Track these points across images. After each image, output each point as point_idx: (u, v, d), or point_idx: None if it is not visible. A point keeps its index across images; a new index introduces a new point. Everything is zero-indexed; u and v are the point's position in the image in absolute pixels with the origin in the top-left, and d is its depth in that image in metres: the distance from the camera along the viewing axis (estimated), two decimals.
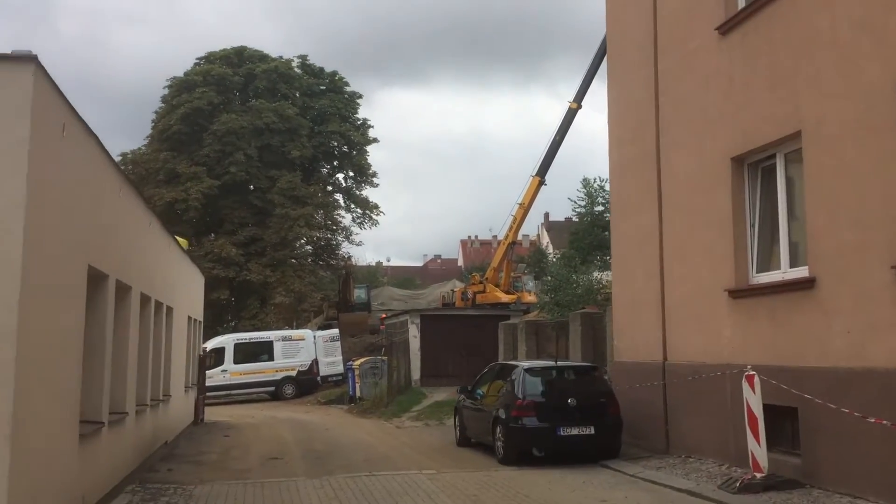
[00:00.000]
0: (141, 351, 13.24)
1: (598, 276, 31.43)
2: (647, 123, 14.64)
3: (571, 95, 39.08)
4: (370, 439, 18.58)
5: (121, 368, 11.30)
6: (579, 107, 38.54)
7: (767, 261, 11.65)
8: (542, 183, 39.74)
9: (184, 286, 18.95)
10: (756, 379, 10.40)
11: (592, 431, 13.31)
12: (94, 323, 9.60)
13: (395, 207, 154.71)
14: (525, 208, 40.36)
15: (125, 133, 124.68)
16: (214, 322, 44.29)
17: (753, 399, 10.48)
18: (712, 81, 12.63)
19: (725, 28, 12.13)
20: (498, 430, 13.88)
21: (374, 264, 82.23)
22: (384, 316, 42.34)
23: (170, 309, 16.30)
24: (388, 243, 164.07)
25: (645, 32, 14.69)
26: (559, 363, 14.68)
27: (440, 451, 15.84)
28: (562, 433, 13.21)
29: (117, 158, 45.81)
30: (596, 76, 36.57)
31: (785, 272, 11.01)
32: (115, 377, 11.06)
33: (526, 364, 14.71)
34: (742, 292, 11.65)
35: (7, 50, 7.11)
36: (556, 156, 39.25)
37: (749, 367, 10.57)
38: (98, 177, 9.33)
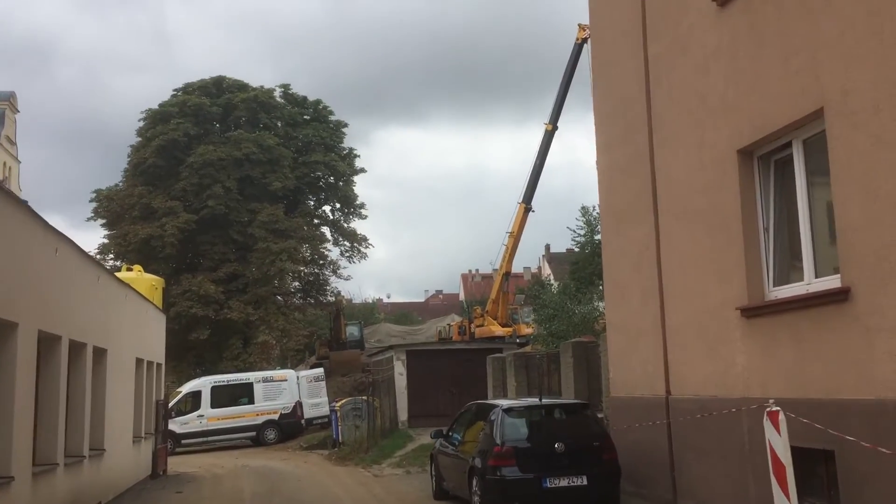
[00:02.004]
0: (45, 400, 11.23)
1: (597, 305, 29.46)
2: (637, 121, 12.75)
3: (570, 132, 40.48)
4: (339, 492, 16.43)
5: (3, 424, 9.26)
6: (555, 128, 39.14)
7: (787, 271, 9.63)
8: (528, 209, 40.23)
9: (128, 325, 16.94)
10: (781, 416, 8.30)
11: (585, 482, 11.22)
12: None
13: (397, 245, 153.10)
14: (515, 237, 40.47)
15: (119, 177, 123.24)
16: (196, 364, 42.16)
17: (778, 440, 8.38)
18: (711, 62, 10.71)
19: None
20: (474, 481, 11.79)
21: (370, 301, 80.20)
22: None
23: (100, 350, 14.27)
24: (390, 280, 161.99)
25: (632, 16, 12.85)
26: (544, 401, 12.58)
27: None
28: (548, 485, 11.13)
29: (91, 195, 44.41)
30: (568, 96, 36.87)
31: (810, 283, 8.97)
32: None
33: (505, 403, 12.60)
34: (757, 310, 9.61)
35: None
36: (540, 181, 39.96)
37: (771, 401, 8.49)
38: None
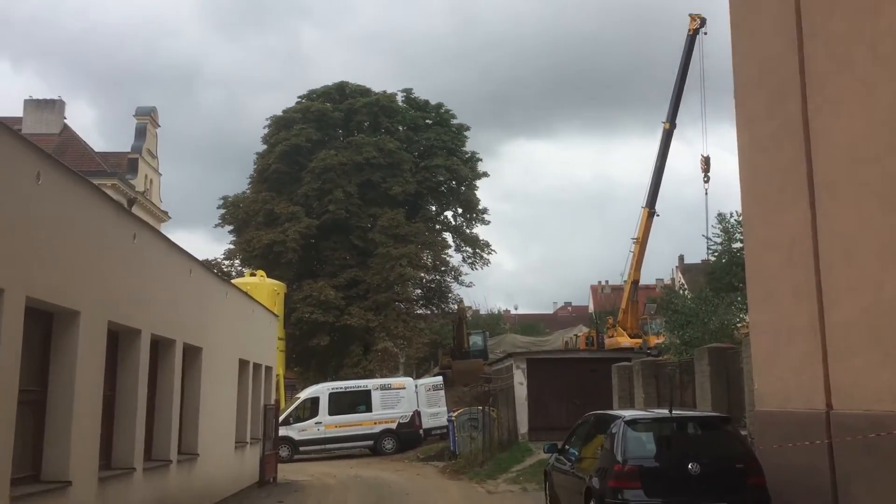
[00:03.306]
0: (122, 399, 10.43)
1: (738, 316, 26.88)
2: (787, 84, 10.80)
3: (699, 139, 40.51)
4: None
5: (59, 422, 8.41)
6: (673, 126, 38.33)
7: None
8: (652, 214, 39.29)
9: (229, 324, 16.20)
10: None
11: None
12: None
13: (526, 257, 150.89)
14: (641, 243, 39.79)
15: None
16: (320, 370, 41.98)
17: None
18: (885, 1, 8.73)
19: None
20: None
21: (496, 312, 78.97)
22: None
23: (193, 349, 13.49)
24: (518, 292, 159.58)
25: None
26: (675, 413, 10.73)
27: None
28: None
29: (218, 202, 45.32)
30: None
31: None
32: (44, 435, 8.23)
33: (628, 415, 10.83)
34: None
35: None
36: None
37: None
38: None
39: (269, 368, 20.93)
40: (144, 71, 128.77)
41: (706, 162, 37.22)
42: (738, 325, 24.67)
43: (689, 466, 9.52)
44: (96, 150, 45.21)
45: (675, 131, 39.02)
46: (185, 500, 12.94)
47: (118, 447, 10.38)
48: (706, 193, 46.55)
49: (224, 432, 15.94)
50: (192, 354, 13.52)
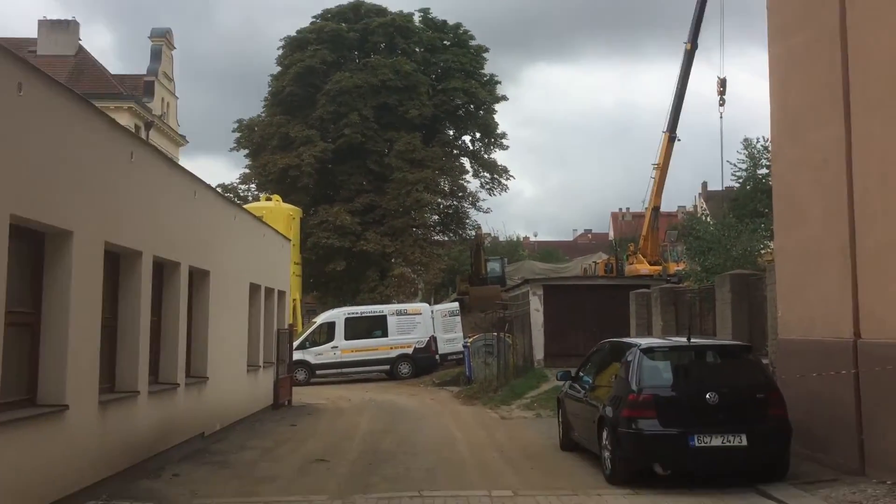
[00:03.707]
0: (125, 323, 10.19)
1: (762, 242, 26.30)
2: None
3: (725, 63, 39.90)
4: (457, 434, 14.93)
5: (55, 345, 8.16)
6: (694, 47, 37.56)
7: None
8: (673, 138, 38.61)
9: (239, 247, 15.86)
10: None
11: (745, 441, 9.07)
12: None
13: (546, 184, 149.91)
14: (662, 168, 39.70)
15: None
16: (337, 294, 41.92)
17: None
18: None
19: None
20: (604, 434, 9.86)
21: (515, 238, 78.58)
22: None
23: (201, 272, 13.19)
24: (539, 220, 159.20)
25: None
26: (693, 341, 10.34)
27: (536, 458, 12.03)
28: (696, 443, 9.06)
29: (233, 126, 44.61)
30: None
31: None
32: (39, 358, 7.99)
33: (644, 342, 10.47)
34: None
35: None
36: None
37: None
38: None
39: (281, 293, 20.70)
40: None
41: (722, 84, 36.57)
42: (762, 251, 24.18)
43: (708, 396, 9.19)
44: (113, 73, 44.43)
45: (701, 54, 38.03)
46: (194, 422, 12.81)
47: (121, 371, 10.16)
48: (721, 117, 45.34)
49: (235, 356, 15.78)
50: (199, 278, 13.23)
